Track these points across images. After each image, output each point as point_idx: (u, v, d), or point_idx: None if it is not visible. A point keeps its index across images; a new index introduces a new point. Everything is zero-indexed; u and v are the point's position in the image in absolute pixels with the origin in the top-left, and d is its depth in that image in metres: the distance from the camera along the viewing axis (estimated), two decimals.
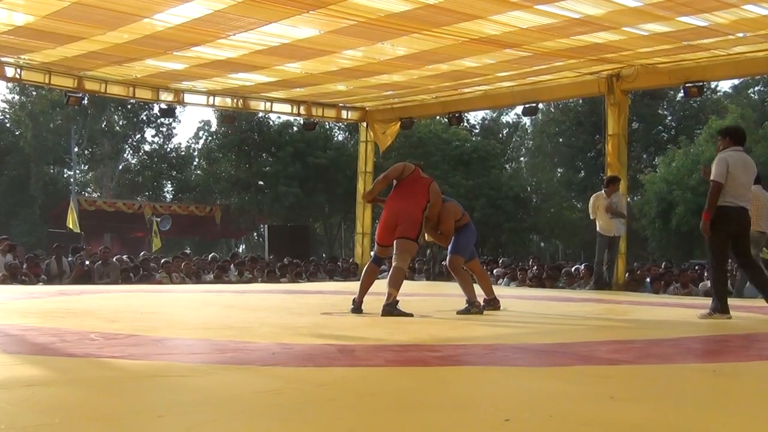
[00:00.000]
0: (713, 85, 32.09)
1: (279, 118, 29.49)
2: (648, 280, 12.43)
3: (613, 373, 3.57)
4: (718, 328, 5.72)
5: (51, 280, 12.40)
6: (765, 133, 25.37)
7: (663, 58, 11.20)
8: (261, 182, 32.02)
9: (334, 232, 34.86)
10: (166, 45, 10.65)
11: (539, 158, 38.45)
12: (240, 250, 35.28)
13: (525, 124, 40.93)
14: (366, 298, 6.47)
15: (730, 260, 7.00)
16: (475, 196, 28.13)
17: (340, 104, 15.67)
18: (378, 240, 6.61)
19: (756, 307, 7.48)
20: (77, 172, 34.57)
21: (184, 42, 10.47)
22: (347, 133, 33.14)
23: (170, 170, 37.59)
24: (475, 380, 3.38)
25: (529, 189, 34.88)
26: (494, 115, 40.67)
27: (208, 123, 36.73)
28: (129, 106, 34.50)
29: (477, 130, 38.49)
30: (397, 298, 6.19)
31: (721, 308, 6.23)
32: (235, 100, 14.70)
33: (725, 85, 36.84)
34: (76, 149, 32.55)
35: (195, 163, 37.86)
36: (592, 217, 11.13)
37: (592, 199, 11.16)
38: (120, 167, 37.03)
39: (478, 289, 6.90)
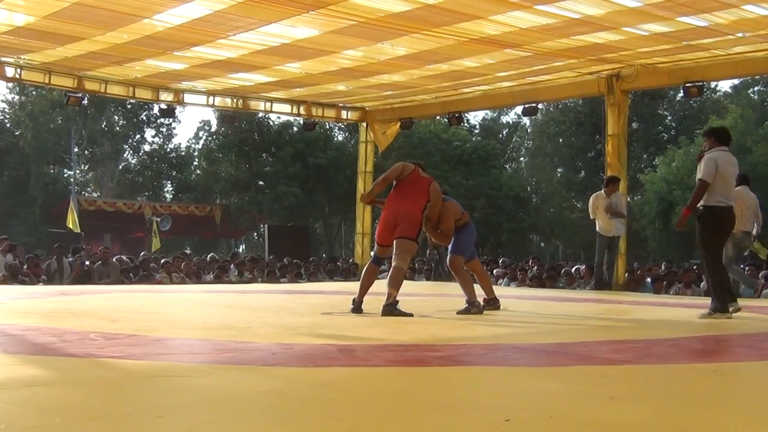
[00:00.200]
0: (713, 85, 32.11)
1: (279, 118, 29.53)
2: (649, 280, 12.43)
3: (613, 373, 3.57)
4: (718, 328, 5.72)
5: (51, 280, 12.40)
6: (765, 133, 25.35)
7: (663, 58, 11.20)
8: (261, 182, 32.01)
9: (334, 232, 34.85)
10: (166, 45, 10.66)
11: (539, 158, 38.44)
12: (240, 250, 35.28)
13: (525, 124, 40.97)
14: (366, 298, 6.47)
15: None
16: (475, 196, 28.13)
17: (340, 104, 15.67)
18: (378, 240, 6.61)
19: (756, 307, 7.49)
20: (77, 172, 34.57)
21: (184, 42, 10.47)
22: (347, 133, 33.14)
23: (170, 170, 37.58)
24: (475, 380, 3.38)
25: (529, 189, 34.88)
26: (495, 114, 40.69)
27: (208, 123, 36.82)
28: (129, 106, 34.49)
29: (477, 130, 38.51)
30: (397, 298, 6.19)
31: (720, 308, 6.25)
32: (235, 100, 14.70)
33: (725, 85, 36.89)
34: (76, 149, 32.55)
35: (195, 163, 37.86)
36: (591, 217, 11.13)
37: (591, 199, 11.16)
38: (120, 167, 37.01)
39: (478, 289, 6.90)
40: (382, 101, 15.20)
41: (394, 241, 6.40)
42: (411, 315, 6.06)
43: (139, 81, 13.28)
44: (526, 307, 7.61)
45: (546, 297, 9.49)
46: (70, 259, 13.37)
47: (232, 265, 14.92)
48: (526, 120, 39.48)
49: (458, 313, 6.44)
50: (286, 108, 15.56)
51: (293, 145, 30.05)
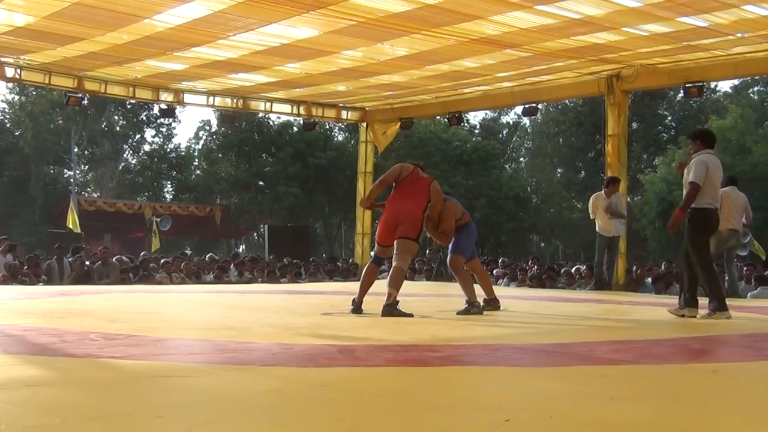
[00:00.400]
0: (713, 85, 32.10)
1: (279, 118, 29.52)
2: (649, 280, 12.42)
3: (613, 373, 3.57)
4: (718, 328, 5.73)
5: (51, 280, 12.40)
6: (765, 133, 25.35)
7: (663, 59, 11.20)
8: (261, 182, 32.01)
9: (334, 232, 34.84)
10: (166, 45, 10.66)
11: (539, 158, 38.42)
12: (240, 250, 35.27)
13: (525, 124, 40.95)
14: (366, 299, 6.47)
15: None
16: (475, 196, 28.12)
17: (340, 104, 15.67)
18: (378, 240, 6.61)
19: (756, 307, 7.50)
20: (77, 172, 34.57)
21: (184, 42, 10.47)
22: (347, 134, 33.14)
23: (170, 170, 37.57)
24: (475, 380, 3.38)
25: (529, 189, 34.87)
26: (495, 114, 40.68)
27: (208, 123, 36.77)
28: (129, 106, 34.49)
29: (477, 131, 38.50)
30: (398, 298, 6.19)
31: (720, 307, 6.27)
32: (235, 100, 14.71)
33: (725, 86, 36.85)
34: (76, 149, 32.55)
35: (195, 163, 37.85)
36: (591, 217, 11.14)
37: (591, 199, 11.17)
38: (120, 167, 36.99)
39: (478, 289, 6.90)
40: (382, 101, 15.21)
41: (395, 242, 6.40)
42: (411, 315, 6.06)
43: (139, 81, 13.28)
44: (526, 308, 7.61)
45: (546, 297, 9.49)
46: (70, 259, 13.36)
47: (232, 266, 14.92)
48: (526, 120, 39.48)
49: (458, 313, 6.44)
50: (286, 108, 15.57)
51: (293, 145, 30.05)
